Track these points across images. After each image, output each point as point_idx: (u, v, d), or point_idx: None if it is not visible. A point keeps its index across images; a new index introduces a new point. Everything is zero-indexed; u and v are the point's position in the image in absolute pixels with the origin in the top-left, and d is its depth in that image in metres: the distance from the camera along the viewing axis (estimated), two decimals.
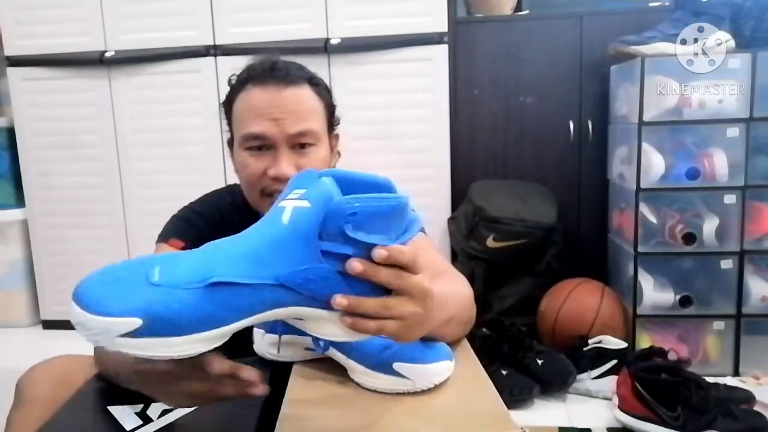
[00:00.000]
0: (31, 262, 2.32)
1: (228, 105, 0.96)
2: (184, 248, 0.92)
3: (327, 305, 0.53)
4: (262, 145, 0.90)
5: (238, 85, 0.94)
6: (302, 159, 0.91)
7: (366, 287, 0.53)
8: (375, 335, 0.56)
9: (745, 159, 1.70)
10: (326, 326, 0.55)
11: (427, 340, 0.69)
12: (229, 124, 0.97)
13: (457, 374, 0.69)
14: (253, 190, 0.93)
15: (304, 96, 0.92)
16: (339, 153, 1.02)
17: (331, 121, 0.98)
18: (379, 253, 0.52)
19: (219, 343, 0.51)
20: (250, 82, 0.91)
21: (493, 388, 0.67)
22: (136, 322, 0.46)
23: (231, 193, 1.05)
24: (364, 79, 2.01)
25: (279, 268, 0.50)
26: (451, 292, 0.76)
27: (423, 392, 0.66)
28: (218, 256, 0.51)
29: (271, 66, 0.91)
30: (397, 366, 0.65)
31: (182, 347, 0.48)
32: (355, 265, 0.52)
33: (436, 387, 0.66)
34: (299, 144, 0.91)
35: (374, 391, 0.66)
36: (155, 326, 0.47)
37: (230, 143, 0.99)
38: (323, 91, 0.96)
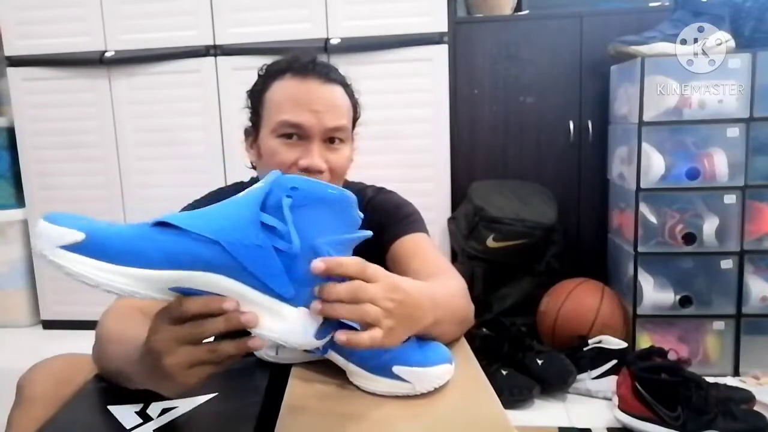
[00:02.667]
0: (31, 262, 2.32)
1: (259, 92, 0.95)
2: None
3: (265, 288, 0.52)
4: (295, 134, 0.90)
5: (274, 74, 0.94)
6: (331, 154, 0.92)
7: (305, 275, 0.53)
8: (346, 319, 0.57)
9: (745, 159, 1.70)
10: (265, 317, 0.53)
11: (422, 339, 0.70)
12: (255, 112, 0.97)
13: (457, 378, 0.69)
14: None
15: (339, 94, 0.94)
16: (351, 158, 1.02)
17: (354, 124, 1.01)
18: (316, 265, 0.54)
19: (151, 291, 0.51)
20: (290, 72, 0.92)
21: (493, 392, 0.67)
22: (79, 236, 0.49)
23: (236, 190, 1.04)
24: (364, 79, 1.96)
25: (219, 225, 0.52)
26: (441, 292, 0.76)
27: (423, 396, 0.65)
28: (183, 212, 0.55)
29: (312, 60, 0.93)
30: (396, 369, 0.65)
31: (110, 276, 0.49)
32: (318, 265, 0.54)
33: (436, 390, 0.66)
34: (330, 139, 0.92)
35: (373, 394, 0.66)
36: (92, 245, 0.49)
37: (249, 133, 0.99)
38: (352, 93, 0.99)
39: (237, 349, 0.54)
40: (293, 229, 0.52)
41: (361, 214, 0.61)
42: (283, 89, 0.92)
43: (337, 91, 0.94)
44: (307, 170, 0.89)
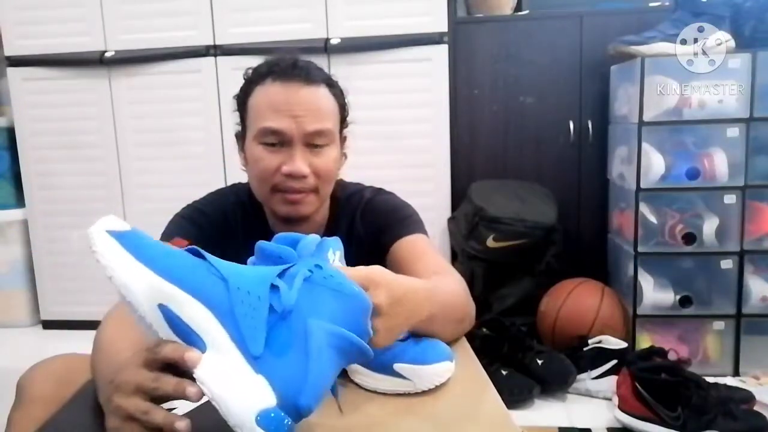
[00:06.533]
0: (31, 262, 2.32)
1: (243, 97, 0.95)
2: (187, 246, 0.92)
3: (238, 336, 0.51)
4: (277, 140, 0.90)
5: (257, 78, 0.93)
6: (316, 158, 0.91)
7: (283, 342, 0.52)
8: None
9: (745, 159, 1.70)
10: (213, 362, 0.51)
11: (422, 337, 0.70)
12: (242, 116, 0.96)
13: (458, 375, 0.69)
14: (264, 186, 0.92)
15: (322, 96, 0.92)
16: (345, 155, 1.02)
17: (343, 124, 0.99)
18: None
19: (145, 301, 0.51)
20: (271, 76, 0.91)
21: (494, 389, 0.67)
22: (126, 226, 0.54)
23: (235, 192, 1.04)
24: (364, 79, 2.01)
25: (238, 270, 0.54)
26: (439, 288, 0.76)
27: (423, 393, 0.66)
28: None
29: (293, 63, 0.91)
30: (397, 367, 0.65)
31: (130, 273, 0.52)
32: None
33: (437, 388, 0.66)
34: (314, 143, 0.91)
35: (374, 391, 0.66)
36: (132, 240, 0.53)
37: (239, 137, 0.98)
38: (338, 93, 0.96)
39: (165, 421, 0.52)
40: (295, 292, 0.52)
41: (371, 331, 0.56)
42: (264, 95, 0.91)
43: (320, 92, 0.92)
44: (291, 176, 0.89)
